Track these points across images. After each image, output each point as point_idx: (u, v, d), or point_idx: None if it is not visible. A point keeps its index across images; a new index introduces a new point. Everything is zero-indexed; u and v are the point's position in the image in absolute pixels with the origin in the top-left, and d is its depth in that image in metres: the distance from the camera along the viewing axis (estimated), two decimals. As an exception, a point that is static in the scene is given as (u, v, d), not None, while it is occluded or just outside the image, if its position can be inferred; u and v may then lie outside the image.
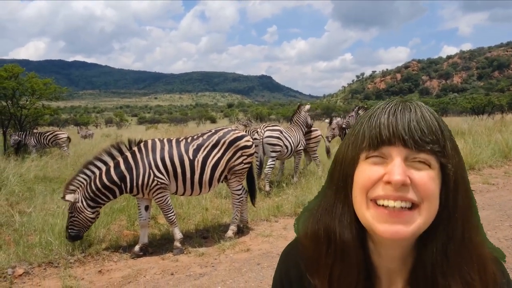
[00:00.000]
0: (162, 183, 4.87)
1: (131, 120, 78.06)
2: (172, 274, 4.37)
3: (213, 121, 60.02)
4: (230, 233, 5.44)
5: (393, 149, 0.72)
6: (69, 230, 4.76)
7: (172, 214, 5.05)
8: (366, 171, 0.75)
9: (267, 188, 7.94)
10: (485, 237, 0.82)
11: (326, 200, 0.85)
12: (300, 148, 8.85)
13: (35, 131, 14.43)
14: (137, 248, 4.92)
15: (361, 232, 0.79)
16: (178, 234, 5.07)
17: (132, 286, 4.11)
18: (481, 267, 0.76)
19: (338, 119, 10.48)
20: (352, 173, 0.78)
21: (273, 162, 8.06)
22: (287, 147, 8.23)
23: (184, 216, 6.31)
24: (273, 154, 7.98)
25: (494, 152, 11.03)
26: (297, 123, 9.11)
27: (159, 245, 5.25)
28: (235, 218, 5.56)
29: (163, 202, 4.97)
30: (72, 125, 51.55)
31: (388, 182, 0.71)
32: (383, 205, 0.72)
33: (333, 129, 10.44)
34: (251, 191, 5.84)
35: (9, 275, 4.25)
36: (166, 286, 4.09)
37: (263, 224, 6.14)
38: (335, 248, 0.80)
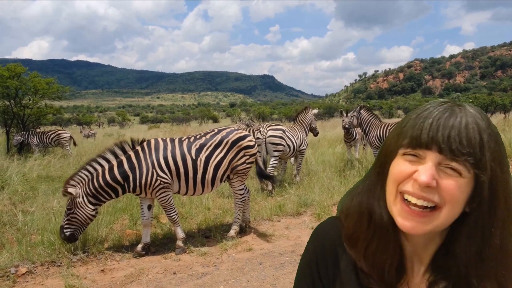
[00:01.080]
0: (165, 183, 4.88)
1: (134, 119, 78.14)
2: (174, 273, 4.38)
3: (215, 120, 60.02)
4: (232, 232, 5.44)
5: (428, 153, 0.77)
6: (65, 230, 4.69)
7: (175, 213, 5.06)
8: (400, 166, 0.80)
9: (270, 187, 7.95)
10: None
11: (371, 180, 0.91)
12: (303, 147, 8.84)
13: (38, 130, 14.48)
14: (139, 247, 4.92)
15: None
16: (180, 234, 5.08)
17: (134, 285, 4.12)
18: None
19: (350, 113, 10.40)
20: (390, 162, 0.84)
21: (275, 162, 8.06)
22: (289, 147, 8.23)
23: (186, 215, 6.32)
24: (276, 154, 7.99)
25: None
26: (301, 123, 9.11)
27: (162, 244, 5.26)
28: (238, 218, 5.56)
29: (166, 202, 4.97)
30: (75, 125, 51.70)
31: (416, 181, 0.77)
32: (407, 200, 0.78)
33: (349, 120, 10.32)
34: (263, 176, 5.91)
35: (12, 274, 4.26)
36: (169, 285, 4.09)
37: (265, 223, 6.14)
38: (375, 225, 0.87)
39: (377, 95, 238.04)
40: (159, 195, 4.91)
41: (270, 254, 4.85)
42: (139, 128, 39.42)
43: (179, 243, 5.02)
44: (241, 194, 5.48)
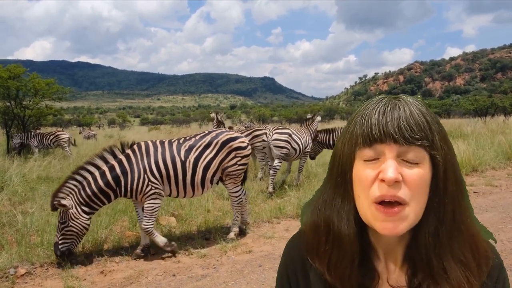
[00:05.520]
0: (156, 188, 4.77)
1: (134, 121, 78.24)
2: (174, 275, 4.37)
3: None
4: (232, 234, 5.43)
5: (385, 147, 0.78)
6: (60, 246, 4.50)
7: (152, 224, 4.83)
8: (363, 172, 0.80)
9: (270, 189, 7.99)
10: (476, 218, 0.89)
11: (326, 193, 0.91)
12: (308, 150, 9.06)
13: (38, 131, 14.49)
14: (139, 249, 4.91)
15: (359, 222, 0.86)
16: (161, 241, 4.86)
17: (133, 287, 4.11)
18: (473, 245, 0.83)
19: None
20: (350, 169, 0.84)
21: (279, 164, 8.18)
22: (295, 150, 8.39)
23: (186, 217, 6.30)
24: (280, 156, 8.15)
25: (497, 154, 10.99)
26: (308, 127, 9.43)
27: (161, 246, 5.24)
28: (236, 220, 5.55)
29: (151, 209, 4.79)
30: (75, 126, 51.79)
31: (383, 180, 0.77)
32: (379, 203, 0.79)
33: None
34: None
35: (11, 275, 4.25)
36: (168, 287, 4.08)
37: (265, 225, 6.13)
38: (333, 238, 0.87)
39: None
40: (149, 201, 4.77)
41: (270, 256, 4.84)
42: (139, 130, 39.43)
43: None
44: (236, 196, 5.43)
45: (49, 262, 4.61)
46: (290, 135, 8.26)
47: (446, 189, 0.81)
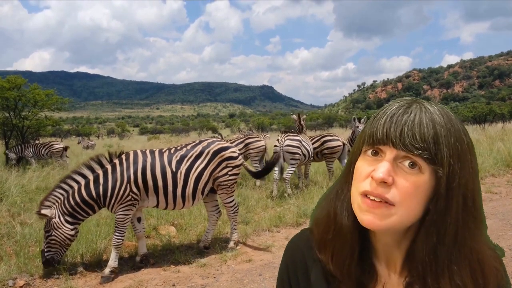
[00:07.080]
0: (135, 199, 4.68)
1: (133, 130, 78.36)
2: (173, 285, 4.34)
3: (215, 131, 60.04)
4: (232, 243, 5.41)
5: (386, 148, 0.78)
6: (46, 253, 4.49)
7: (122, 237, 4.72)
8: (361, 165, 0.82)
9: (289, 191, 8.46)
10: (487, 238, 0.85)
11: (340, 182, 0.93)
12: (312, 156, 9.38)
13: (37, 142, 14.51)
14: (137, 259, 4.89)
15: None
16: (113, 261, 4.61)
17: (133, 297, 4.09)
18: (478, 272, 0.79)
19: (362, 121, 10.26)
20: (355, 162, 0.86)
21: (293, 169, 8.60)
22: (305, 155, 8.76)
23: (185, 226, 6.28)
24: (293, 162, 8.52)
25: (497, 161, 11.01)
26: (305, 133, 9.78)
27: (161, 256, 5.21)
28: (234, 229, 5.51)
29: (123, 220, 4.67)
30: (74, 136, 51.89)
31: (372, 177, 0.78)
32: (366, 196, 0.79)
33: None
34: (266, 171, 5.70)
35: (10, 286, 4.23)
36: (168, 297, 4.06)
37: (265, 234, 6.11)
38: (335, 227, 0.89)
39: (376, 105, 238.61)
40: (122, 211, 4.66)
41: (270, 265, 4.82)
42: (138, 139, 39.43)
43: (107, 270, 4.53)
44: (231, 206, 5.37)
45: (48, 274, 4.58)
46: (300, 142, 8.66)
47: (449, 209, 0.77)
